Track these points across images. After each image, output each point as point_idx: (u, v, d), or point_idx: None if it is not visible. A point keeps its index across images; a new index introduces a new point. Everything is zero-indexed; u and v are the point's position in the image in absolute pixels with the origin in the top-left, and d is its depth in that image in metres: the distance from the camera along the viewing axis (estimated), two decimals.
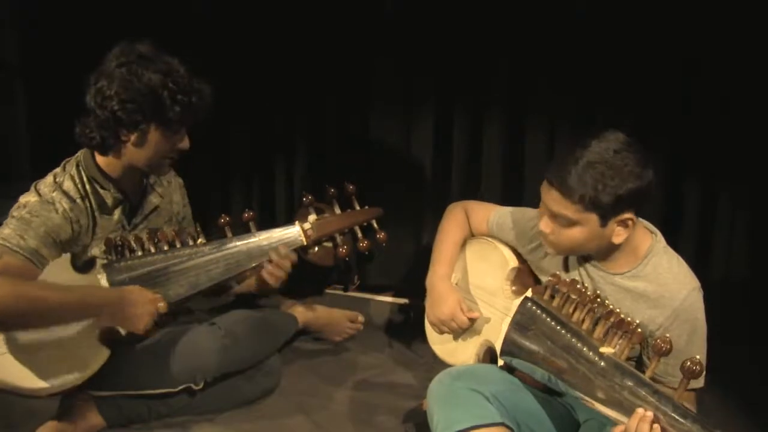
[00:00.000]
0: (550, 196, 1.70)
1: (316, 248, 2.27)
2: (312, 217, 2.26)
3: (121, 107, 1.92)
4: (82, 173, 2.06)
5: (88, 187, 2.05)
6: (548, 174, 1.70)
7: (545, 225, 1.75)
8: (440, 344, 2.18)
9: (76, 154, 2.10)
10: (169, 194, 2.29)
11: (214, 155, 3.01)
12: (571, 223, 1.69)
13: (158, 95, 1.92)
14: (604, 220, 1.67)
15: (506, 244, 2.06)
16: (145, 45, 1.98)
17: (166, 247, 2.12)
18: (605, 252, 1.77)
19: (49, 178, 2.04)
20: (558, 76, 2.68)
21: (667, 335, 1.56)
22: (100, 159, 2.06)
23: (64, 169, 2.08)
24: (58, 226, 1.96)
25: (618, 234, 1.70)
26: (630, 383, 1.56)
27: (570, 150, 1.67)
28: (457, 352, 2.10)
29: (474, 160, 2.87)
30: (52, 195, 1.99)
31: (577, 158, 1.64)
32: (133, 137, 1.98)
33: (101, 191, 2.07)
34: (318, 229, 2.25)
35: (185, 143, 2.05)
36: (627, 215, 1.67)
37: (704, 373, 1.64)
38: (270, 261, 2.16)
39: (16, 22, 2.78)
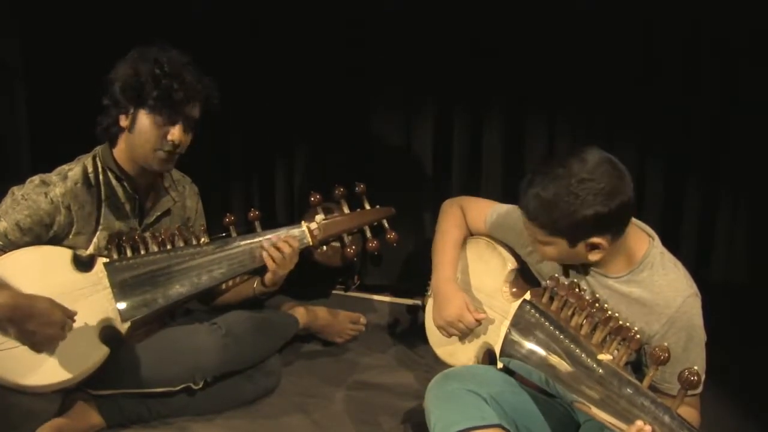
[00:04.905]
0: (523, 216, 1.75)
1: (324, 248, 2.27)
2: (319, 217, 2.26)
3: (115, 90, 2.05)
4: (98, 164, 2.13)
5: (101, 177, 2.12)
6: (520, 195, 1.72)
7: (528, 238, 1.82)
8: (441, 346, 2.18)
9: (94, 149, 2.16)
10: (183, 199, 2.31)
11: (214, 155, 3.01)
12: (543, 243, 1.74)
13: (141, 78, 2.01)
14: (572, 243, 1.70)
15: (505, 244, 2.06)
16: (160, 45, 2.08)
17: (168, 247, 2.13)
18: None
19: (62, 166, 2.12)
20: (558, 76, 2.68)
21: (665, 344, 1.56)
22: (116, 153, 2.12)
23: (78, 161, 2.14)
24: (44, 212, 2.01)
25: (592, 254, 1.71)
26: (627, 392, 1.57)
27: (538, 175, 1.68)
28: (458, 354, 2.10)
29: (474, 160, 2.87)
30: (51, 177, 2.06)
31: (541, 189, 1.66)
32: (127, 122, 2.06)
33: (114, 182, 2.13)
34: (325, 230, 2.25)
35: (174, 134, 2.05)
36: (595, 239, 1.68)
37: (702, 380, 1.64)
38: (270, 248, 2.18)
39: (17, 23, 2.78)
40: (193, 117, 2.09)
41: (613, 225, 1.67)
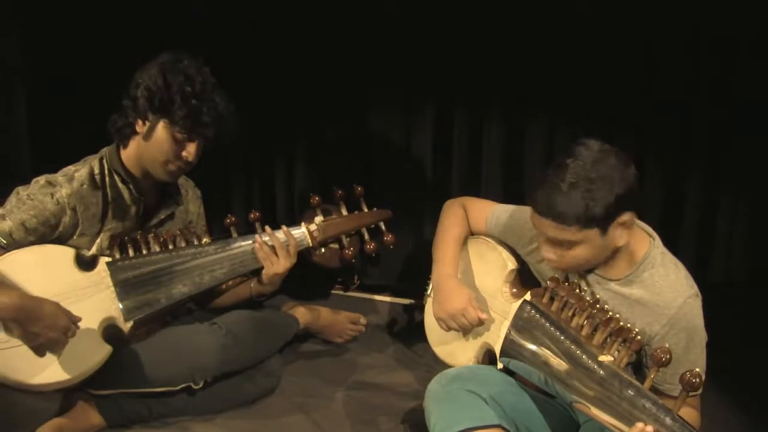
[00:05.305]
0: (545, 224, 1.67)
1: (323, 249, 2.28)
2: (318, 219, 2.27)
3: (139, 95, 2.02)
4: (105, 165, 2.13)
5: (108, 179, 2.12)
6: (535, 204, 1.67)
7: (548, 252, 1.73)
8: (440, 345, 2.18)
9: (101, 151, 2.15)
10: (186, 203, 2.32)
11: (215, 155, 3.00)
12: (573, 245, 1.67)
13: (171, 92, 1.99)
14: (604, 229, 1.65)
15: (505, 244, 2.06)
16: (191, 56, 2.07)
17: (170, 247, 2.14)
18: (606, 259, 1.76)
19: (69, 166, 2.12)
20: (558, 76, 2.68)
21: (666, 345, 1.56)
22: (124, 155, 2.12)
23: (85, 162, 2.14)
24: (50, 212, 2.02)
25: (621, 236, 1.69)
26: (628, 393, 1.57)
27: (549, 175, 1.64)
28: (457, 353, 2.10)
29: (474, 161, 2.87)
30: (58, 179, 2.06)
31: (560, 182, 1.62)
32: (144, 129, 2.05)
33: (120, 185, 2.14)
34: (324, 231, 2.26)
35: (189, 153, 2.06)
36: (624, 217, 1.66)
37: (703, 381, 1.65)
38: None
39: (16, 22, 2.79)
40: (210, 137, 2.08)
41: (634, 197, 1.66)
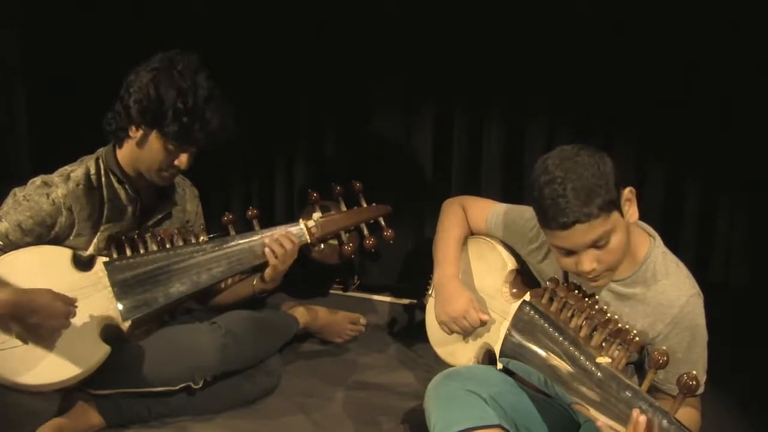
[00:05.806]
0: (576, 235, 1.61)
1: (322, 246, 2.28)
2: (317, 215, 2.28)
3: (132, 104, 2.01)
4: (101, 165, 2.13)
5: (104, 179, 2.13)
6: (553, 224, 1.62)
7: (590, 263, 1.65)
8: (441, 345, 2.18)
9: (97, 151, 2.16)
10: (183, 202, 2.32)
11: (214, 154, 3.00)
12: (608, 236, 1.63)
13: (164, 107, 1.99)
14: (619, 208, 1.64)
15: (505, 244, 2.06)
16: (187, 59, 2.05)
17: (168, 246, 2.14)
18: None
19: (65, 167, 2.12)
20: (558, 76, 2.68)
21: (664, 348, 1.56)
22: (119, 155, 2.13)
23: (81, 162, 2.14)
24: (46, 213, 2.02)
25: (632, 213, 1.68)
26: (626, 395, 1.57)
27: (545, 195, 1.61)
28: (458, 353, 2.10)
29: (474, 160, 2.87)
30: (54, 179, 2.06)
31: (562, 189, 1.59)
32: (137, 135, 2.06)
33: (116, 185, 2.14)
34: (322, 227, 2.27)
35: (181, 162, 2.07)
36: (626, 192, 1.66)
37: (703, 381, 1.64)
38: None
39: (16, 22, 2.79)
40: (203, 146, 2.09)
41: (622, 173, 1.66)
